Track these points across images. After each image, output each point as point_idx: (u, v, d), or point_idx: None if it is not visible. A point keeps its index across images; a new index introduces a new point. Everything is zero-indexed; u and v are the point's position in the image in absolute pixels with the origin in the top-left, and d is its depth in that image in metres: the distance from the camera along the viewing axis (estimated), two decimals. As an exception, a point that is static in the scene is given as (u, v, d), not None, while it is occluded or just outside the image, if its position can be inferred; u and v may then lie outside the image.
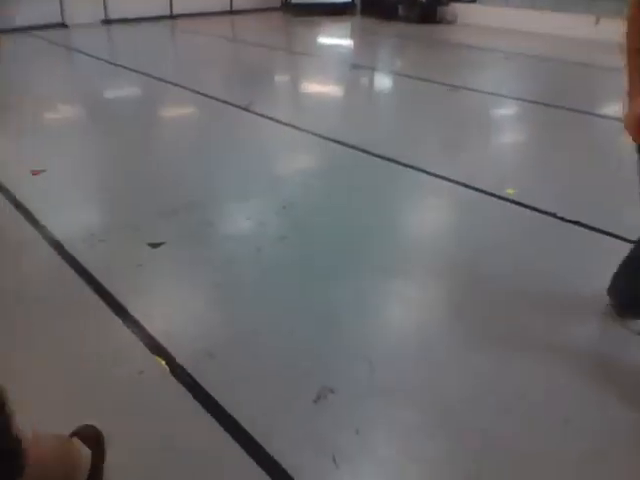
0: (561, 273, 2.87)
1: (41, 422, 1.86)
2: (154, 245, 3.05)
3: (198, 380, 2.14)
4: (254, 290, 2.72)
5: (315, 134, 4.86)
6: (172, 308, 2.61)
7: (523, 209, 3.51)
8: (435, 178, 3.97)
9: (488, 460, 1.85)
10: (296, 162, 4.44)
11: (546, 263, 2.95)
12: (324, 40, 10.66)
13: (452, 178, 3.93)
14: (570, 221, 3.32)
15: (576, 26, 9.69)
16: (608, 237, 3.16)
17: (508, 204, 3.58)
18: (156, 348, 2.31)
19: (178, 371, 2.19)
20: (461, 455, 1.88)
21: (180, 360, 2.25)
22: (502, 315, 2.56)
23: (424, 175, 4.03)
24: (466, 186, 3.82)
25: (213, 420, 1.98)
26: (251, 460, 1.83)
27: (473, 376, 2.20)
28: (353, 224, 3.35)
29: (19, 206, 3.45)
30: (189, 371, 2.19)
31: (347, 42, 10.83)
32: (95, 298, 2.60)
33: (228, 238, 3.20)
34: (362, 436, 1.93)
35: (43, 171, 3.94)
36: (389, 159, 4.26)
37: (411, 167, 4.13)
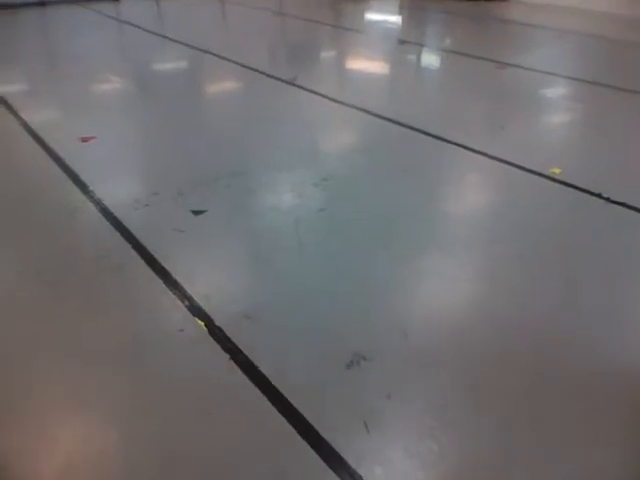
0: (599, 253, 2.81)
1: (92, 367, 1.96)
2: (196, 212, 3.12)
3: (235, 341, 2.21)
4: (291, 258, 2.76)
5: (360, 109, 4.84)
6: (212, 273, 2.67)
7: (568, 188, 3.43)
8: (479, 155, 3.92)
9: (520, 427, 1.86)
10: (339, 136, 4.44)
11: (588, 244, 2.90)
12: (372, 16, 10.52)
13: (497, 156, 3.87)
14: (615, 202, 3.24)
15: (634, 4, 9.30)
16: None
17: (553, 183, 3.51)
18: (196, 310, 2.38)
19: (217, 332, 2.26)
20: (494, 422, 1.89)
21: (218, 322, 2.31)
22: (545, 291, 2.54)
23: (469, 152, 3.98)
24: (511, 164, 3.76)
25: (247, 379, 2.04)
26: (283, 419, 1.89)
27: (505, 347, 2.20)
28: (393, 199, 3.35)
29: (68, 172, 3.58)
30: (227, 332, 2.25)
31: (395, 18, 10.66)
32: (139, 260, 2.69)
33: (268, 208, 3.24)
34: (393, 402, 1.96)
35: (92, 138, 4.05)
36: (434, 136, 4.22)
37: (456, 144, 4.09)
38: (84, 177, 3.51)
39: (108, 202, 3.22)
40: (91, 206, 3.18)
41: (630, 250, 2.85)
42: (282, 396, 1.97)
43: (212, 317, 2.34)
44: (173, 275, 2.60)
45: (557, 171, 3.65)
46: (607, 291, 2.54)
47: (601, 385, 2.05)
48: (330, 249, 2.85)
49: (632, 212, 3.16)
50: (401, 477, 1.71)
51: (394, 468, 1.74)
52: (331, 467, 1.73)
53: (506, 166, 3.75)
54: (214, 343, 2.21)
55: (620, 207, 3.20)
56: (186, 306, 2.40)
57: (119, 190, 3.41)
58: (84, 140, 4.03)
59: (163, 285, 2.53)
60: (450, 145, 4.08)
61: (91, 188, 3.37)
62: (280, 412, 1.91)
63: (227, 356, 2.14)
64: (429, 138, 4.20)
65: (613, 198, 3.27)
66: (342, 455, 1.76)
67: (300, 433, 1.84)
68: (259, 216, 3.15)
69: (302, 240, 2.90)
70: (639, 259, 2.79)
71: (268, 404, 1.94)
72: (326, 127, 4.64)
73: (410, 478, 1.70)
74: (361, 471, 1.72)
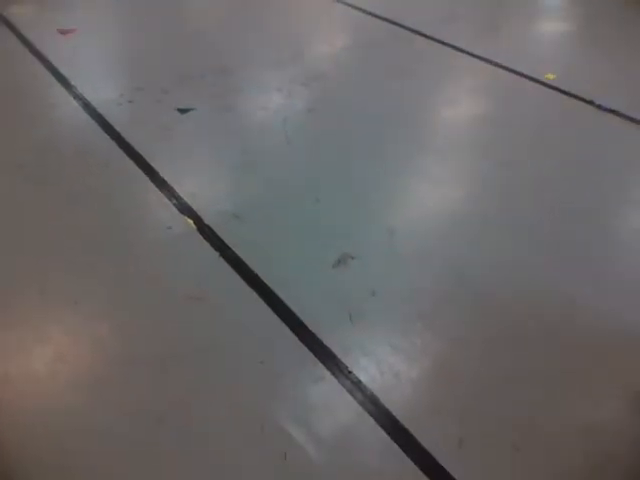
0: (586, 158, 2.82)
1: (85, 254, 1.97)
2: (183, 110, 3.04)
3: (224, 239, 2.23)
4: (280, 158, 2.74)
5: (355, 7, 4.63)
6: (199, 171, 2.65)
7: (561, 94, 3.39)
8: (473, 58, 3.81)
9: (502, 319, 1.94)
10: (332, 35, 4.27)
11: (576, 148, 2.90)
12: None
13: (492, 59, 3.77)
14: (607, 110, 3.21)
15: None
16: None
17: (546, 89, 3.46)
18: (184, 208, 2.38)
19: (205, 230, 2.27)
20: (470, 315, 1.97)
21: (207, 220, 2.32)
22: (526, 194, 2.56)
23: (464, 55, 3.86)
24: (506, 68, 3.67)
25: (236, 275, 2.08)
26: (271, 311, 1.95)
27: (490, 247, 2.25)
28: (384, 101, 3.28)
29: (49, 66, 3.43)
30: (215, 230, 2.27)
31: None
32: (124, 157, 2.66)
33: (255, 107, 3.16)
34: (378, 297, 2.02)
35: (72, 31, 3.86)
36: (430, 37, 4.08)
37: (451, 46, 3.96)
38: (65, 71, 3.37)
39: (90, 97, 3.12)
40: (72, 101, 3.09)
41: (618, 157, 2.86)
42: (270, 290, 2.02)
43: (201, 215, 2.34)
44: (160, 173, 2.57)
45: (551, 77, 3.58)
46: (594, 195, 2.57)
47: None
48: (319, 150, 2.82)
49: (621, 120, 3.14)
50: (384, 367, 1.79)
51: (378, 360, 1.82)
52: (317, 356, 1.81)
53: (501, 70, 3.67)
54: (203, 240, 2.23)
55: (611, 115, 3.18)
56: (174, 204, 2.40)
57: (102, 85, 3.30)
58: (63, 33, 3.84)
59: (150, 182, 2.51)
60: (444, 46, 3.95)
61: (73, 83, 3.26)
62: (268, 304, 1.97)
63: (217, 253, 2.17)
64: (424, 39, 4.06)
65: (605, 106, 3.24)
66: (327, 345, 1.83)
67: (287, 324, 1.91)
68: (247, 115, 3.09)
69: (290, 140, 2.86)
70: (626, 166, 2.80)
71: (256, 296, 1.99)
72: (319, 25, 4.45)
73: (393, 368, 1.79)
74: (346, 361, 1.80)
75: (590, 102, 3.29)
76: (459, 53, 3.88)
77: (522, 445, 1.59)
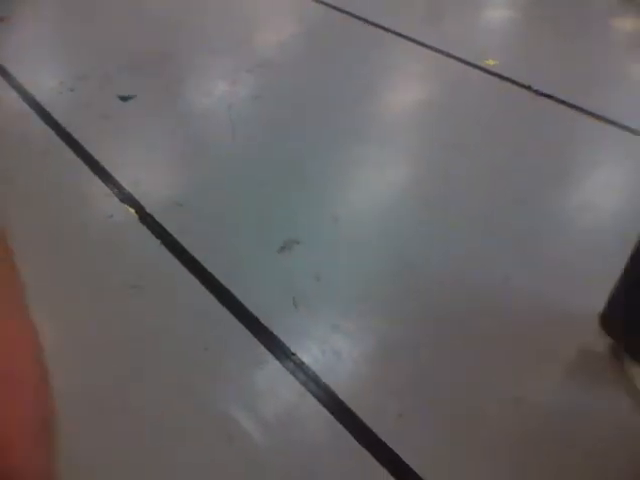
0: (523, 141, 2.91)
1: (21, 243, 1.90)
2: (124, 98, 3.00)
3: (166, 227, 2.22)
4: (224, 145, 2.73)
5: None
6: (141, 160, 2.63)
7: (500, 80, 3.47)
8: (416, 45, 3.87)
9: (440, 300, 2.00)
10: (278, 22, 4.26)
11: (514, 132, 2.98)
12: None
13: (435, 46, 3.83)
14: (543, 94, 3.31)
15: None
16: (575, 111, 3.17)
17: (486, 74, 3.54)
18: (125, 197, 2.36)
19: (147, 219, 2.26)
20: (415, 295, 2.02)
21: (149, 209, 2.30)
22: (466, 178, 2.63)
23: (407, 42, 3.91)
24: (448, 55, 3.74)
25: (178, 262, 2.07)
26: (214, 298, 1.95)
27: (428, 230, 2.31)
28: (329, 88, 3.30)
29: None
30: (157, 219, 2.26)
31: None
32: (63, 146, 2.60)
33: (199, 93, 3.14)
34: (322, 282, 2.05)
35: (8, 19, 3.74)
36: (374, 24, 4.11)
37: (393, 32, 4.00)
38: (1, 60, 3.27)
39: (29, 86, 3.04)
40: (11, 90, 3.00)
41: (552, 139, 2.95)
42: (212, 276, 2.03)
43: (142, 204, 2.32)
44: (101, 162, 2.53)
45: (492, 63, 3.67)
46: (531, 178, 2.65)
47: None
48: (264, 137, 2.82)
49: (557, 104, 3.25)
50: (326, 348, 1.83)
51: (321, 341, 1.85)
52: (260, 340, 1.83)
53: (443, 56, 3.73)
54: (144, 229, 2.21)
55: (547, 99, 3.28)
56: (115, 193, 2.37)
57: (41, 73, 3.22)
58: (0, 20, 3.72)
59: (90, 172, 2.48)
60: (386, 32, 3.99)
61: (11, 72, 3.16)
62: (210, 291, 1.97)
63: (158, 241, 2.16)
64: (369, 26, 4.08)
65: (541, 90, 3.34)
66: (270, 329, 1.86)
67: (230, 310, 1.92)
68: (190, 102, 3.06)
69: (235, 128, 2.85)
70: (560, 147, 2.90)
71: (198, 284, 2.00)
72: (263, 12, 4.43)
73: (335, 349, 1.83)
74: (289, 343, 1.83)
75: (528, 87, 3.39)
76: (403, 40, 3.92)
77: (458, 417, 1.65)
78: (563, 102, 3.24)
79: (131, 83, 3.12)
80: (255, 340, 1.84)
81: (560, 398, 1.73)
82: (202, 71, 3.34)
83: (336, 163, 2.67)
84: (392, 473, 1.51)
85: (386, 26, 4.07)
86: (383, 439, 1.58)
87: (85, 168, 2.48)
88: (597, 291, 1.80)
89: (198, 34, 3.78)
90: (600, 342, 1.84)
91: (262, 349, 1.81)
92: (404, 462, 1.53)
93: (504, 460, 1.57)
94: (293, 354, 1.80)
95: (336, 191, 2.53)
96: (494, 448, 1.59)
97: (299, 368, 1.75)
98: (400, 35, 3.97)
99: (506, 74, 3.52)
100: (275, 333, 1.86)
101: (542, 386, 1.76)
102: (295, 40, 3.88)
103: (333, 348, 1.83)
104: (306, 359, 1.78)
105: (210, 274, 2.04)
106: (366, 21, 4.15)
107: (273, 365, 1.77)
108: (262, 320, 1.89)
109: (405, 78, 3.58)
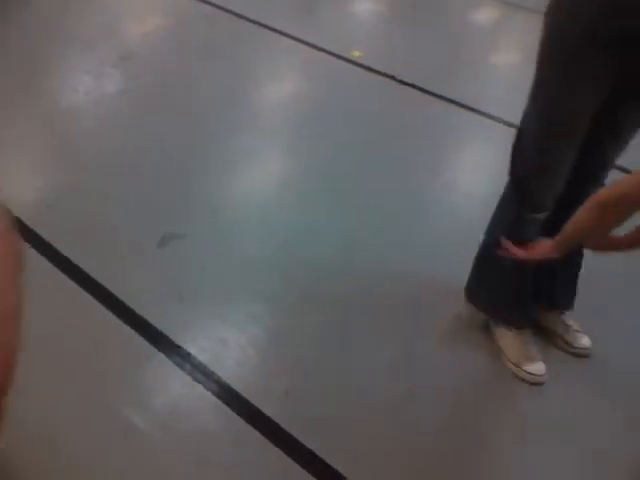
0: (388, 128, 3.09)
1: None
2: (-21, 96, 2.81)
3: (36, 230, 2.13)
4: (92, 141, 2.66)
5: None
6: (6, 160, 2.48)
7: (366, 71, 3.64)
8: (286, 38, 3.94)
9: (319, 284, 2.10)
10: (141, 14, 4.16)
11: (380, 119, 3.15)
12: None
13: (302, 39, 3.92)
14: (406, 84, 3.52)
15: None
16: (436, 99, 3.41)
17: (352, 66, 3.69)
18: (-12, 200, 2.23)
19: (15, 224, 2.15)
20: (295, 280, 2.10)
21: (17, 212, 2.18)
22: (338, 165, 2.75)
23: (275, 34, 3.98)
24: (317, 47, 3.85)
25: (51, 265, 2.00)
26: (93, 299, 1.92)
27: (307, 217, 2.40)
28: (200, 82, 3.29)
29: None
30: (26, 222, 2.16)
31: None
32: None
33: (64, 88, 3.02)
34: (207, 272, 2.08)
35: None
36: (242, 16, 4.13)
37: (262, 25, 4.05)
38: None
39: None
40: None
41: (414, 125, 3.16)
42: (90, 277, 1.98)
43: (8, 207, 2.21)
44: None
45: (357, 54, 3.83)
46: (398, 163, 2.83)
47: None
48: (134, 132, 2.77)
49: (419, 92, 3.47)
50: (213, 338, 1.86)
51: (207, 331, 1.88)
52: (145, 337, 1.83)
53: (313, 49, 3.84)
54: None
55: (410, 88, 3.49)
56: (-24, 197, 2.23)
57: None
58: None
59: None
60: (260, 28, 4.03)
61: None
62: (89, 292, 1.93)
63: (27, 245, 2.07)
64: (237, 19, 4.10)
65: (404, 80, 3.54)
66: (155, 324, 1.86)
67: (112, 310, 1.89)
68: (54, 98, 2.93)
69: (103, 123, 2.78)
70: (422, 133, 3.10)
71: (76, 286, 1.95)
72: (127, 2, 4.30)
73: (221, 337, 1.86)
74: (174, 336, 1.84)
75: (392, 77, 3.58)
76: (272, 33, 3.99)
77: (342, 389, 1.76)
78: (425, 90, 3.47)
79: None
80: (140, 338, 1.83)
81: (436, 365, 1.89)
82: (66, 66, 3.20)
83: (211, 156, 2.69)
84: (284, 449, 1.58)
85: (255, 19, 4.11)
86: (269, 415, 1.65)
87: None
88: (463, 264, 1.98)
89: (60, 28, 3.60)
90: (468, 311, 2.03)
91: (147, 345, 1.80)
92: (293, 436, 1.60)
93: (388, 425, 1.69)
94: (178, 347, 1.81)
95: (213, 183, 2.54)
96: (377, 415, 1.71)
97: (185, 360, 1.77)
98: (269, 28, 4.03)
99: (371, 65, 3.70)
100: (159, 328, 1.86)
101: (420, 354, 1.91)
102: (161, 33, 3.82)
103: (219, 337, 1.86)
104: (192, 350, 1.80)
105: (87, 274, 1.99)
106: (235, 14, 4.17)
107: (159, 359, 1.77)
108: (145, 316, 1.88)
109: (275, 71, 3.65)
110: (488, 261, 1.85)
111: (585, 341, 1.91)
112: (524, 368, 1.82)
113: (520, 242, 1.06)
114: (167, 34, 3.80)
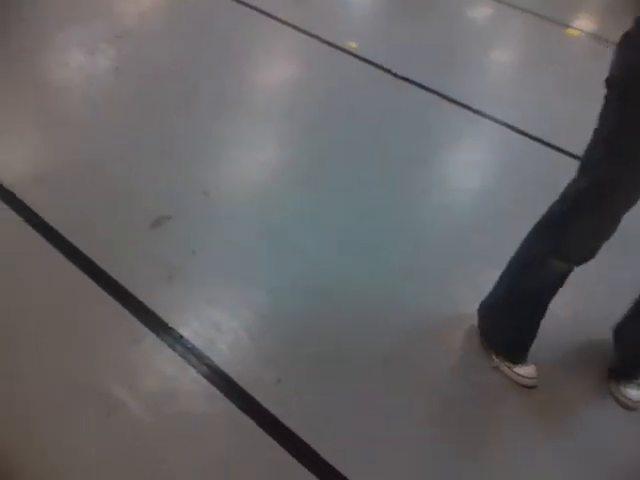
0: (381, 122, 3.09)
1: None
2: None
3: (28, 205, 2.09)
4: (83, 118, 2.61)
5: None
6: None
7: (361, 62, 3.63)
8: (281, 24, 3.91)
9: (310, 269, 2.10)
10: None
11: (370, 111, 3.15)
12: None
13: (299, 26, 3.90)
14: (402, 78, 3.52)
15: None
16: (431, 93, 3.42)
17: (348, 56, 3.68)
18: (-22, 172, 2.18)
19: (7, 196, 2.11)
20: (286, 265, 2.11)
21: (7, 185, 2.16)
22: (338, 156, 2.75)
23: (270, 20, 3.94)
24: (312, 35, 3.83)
25: (45, 241, 1.98)
26: (86, 276, 1.90)
27: (297, 204, 2.40)
28: (193, 61, 3.25)
29: None
30: (17, 195, 2.12)
31: None
32: None
33: (55, 64, 2.95)
34: (198, 256, 2.06)
35: None
36: (237, 0, 4.09)
37: (258, 10, 4.01)
38: None
39: None
40: None
41: (407, 118, 3.17)
42: (83, 255, 1.96)
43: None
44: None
45: (353, 45, 3.81)
46: (388, 156, 2.83)
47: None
48: (126, 111, 2.73)
49: (414, 87, 3.47)
50: (206, 322, 1.85)
51: (199, 314, 1.87)
52: (137, 317, 1.81)
53: (307, 37, 3.81)
54: (4, 206, 2.07)
55: (404, 82, 3.49)
56: (-35, 168, 2.19)
57: None
58: None
59: None
60: (253, 11, 3.99)
61: None
62: (82, 269, 1.91)
63: (20, 219, 2.03)
64: (235, 3, 4.05)
65: (399, 74, 3.55)
66: (147, 305, 1.84)
67: (105, 288, 1.87)
68: (44, 73, 2.87)
69: (94, 101, 2.73)
70: (418, 126, 3.11)
71: (69, 263, 1.92)
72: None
73: (213, 321, 1.86)
74: (167, 318, 1.83)
75: (388, 70, 3.58)
76: (268, 18, 3.95)
77: (336, 378, 1.76)
78: (420, 85, 3.48)
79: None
80: (132, 317, 1.81)
81: (431, 357, 1.91)
82: (58, 40, 3.13)
83: (203, 139, 2.66)
84: (275, 438, 1.58)
85: (252, 4, 4.07)
86: (261, 402, 1.65)
87: None
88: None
89: (53, 1, 3.53)
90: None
91: (139, 325, 1.79)
92: (284, 425, 1.61)
93: (384, 414, 1.70)
94: (170, 328, 1.80)
95: (205, 167, 2.52)
96: (372, 404, 1.72)
97: (178, 342, 1.76)
98: (265, 13, 4.00)
99: (367, 57, 3.69)
100: (151, 308, 1.84)
101: (416, 347, 1.93)
102: (156, 12, 3.76)
103: (211, 320, 1.86)
104: (185, 333, 1.79)
105: (80, 252, 1.96)
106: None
107: (151, 341, 1.76)
108: (137, 296, 1.87)
109: (269, 57, 3.62)
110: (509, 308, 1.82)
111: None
112: (516, 370, 1.85)
113: None
114: (163, 14, 3.75)
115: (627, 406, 1.84)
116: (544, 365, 1.86)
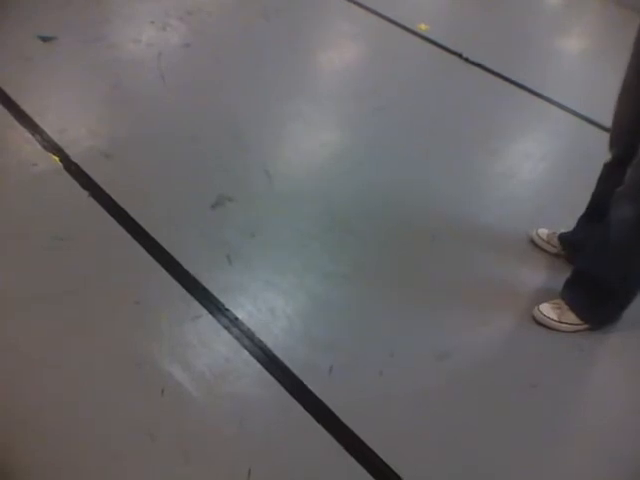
0: (452, 107, 3.00)
1: None
2: (45, 39, 2.82)
3: (94, 178, 2.14)
4: (153, 94, 2.64)
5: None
6: (65, 106, 2.49)
7: (432, 46, 3.53)
8: (349, 2, 3.84)
9: (371, 256, 2.07)
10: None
11: (444, 98, 3.06)
12: None
13: (367, 5, 3.82)
14: (473, 63, 3.40)
15: None
16: (501, 80, 3.28)
17: (418, 39, 3.58)
18: (50, 145, 2.24)
19: (72, 168, 2.16)
20: (346, 251, 2.08)
21: (75, 158, 2.21)
22: (403, 141, 2.68)
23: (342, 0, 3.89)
24: (381, 16, 3.75)
25: (107, 215, 2.01)
26: (145, 252, 1.92)
27: (359, 189, 2.36)
28: (261, 39, 3.23)
29: None
30: (84, 169, 2.17)
31: None
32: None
33: (127, 39, 2.99)
34: (257, 238, 2.06)
35: None
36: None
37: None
38: None
39: None
40: None
41: (483, 106, 3.06)
42: (144, 230, 1.99)
43: (68, 153, 2.22)
44: (22, 107, 2.38)
45: (424, 27, 3.71)
46: (455, 141, 2.75)
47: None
48: (195, 87, 2.75)
49: (486, 73, 3.35)
50: (262, 306, 1.85)
51: (255, 297, 1.87)
52: (194, 296, 1.83)
53: (376, 17, 3.73)
54: (71, 179, 2.12)
55: (477, 68, 3.37)
56: (38, 140, 2.25)
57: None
58: None
59: (11, 117, 2.33)
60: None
61: None
62: (142, 245, 1.94)
63: (86, 193, 2.08)
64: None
65: (471, 59, 3.43)
66: (204, 284, 1.86)
67: (163, 265, 1.90)
68: (117, 47, 2.91)
69: (165, 76, 2.76)
70: (489, 114, 3.01)
71: (129, 237, 1.95)
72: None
73: (269, 305, 1.85)
74: (223, 299, 1.84)
75: (459, 55, 3.46)
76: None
77: (386, 370, 1.73)
78: (491, 71, 3.35)
79: (53, 22, 2.93)
80: (189, 295, 1.83)
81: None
82: (129, 15, 3.17)
83: (268, 118, 2.65)
84: (324, 425, 1.57)
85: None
86: (313, 390, 1.64)
87: (5, 112, 2.33)
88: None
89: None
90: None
91: (196, 304, 1.81)
92: (334, 413, 1.59)
93: (436, 411, 1.67)
94: (227, 309, 1.81)
95: (268, 147, 2.52)
96: (423, 400, 1.69)
97: (233, 324, 1.77)
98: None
99: (438, 40, 3.58)
100: (209, 289, 1.86)
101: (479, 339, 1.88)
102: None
103: (267, 304, 1.85)
104: (240, 314, 1.80)
105: (141, 228, 1.99)
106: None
107: (207, 320, 1.77)
108: (195, 276, 1.89)
109: (336, 36, 3.57)
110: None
111: None
112: None
113: None
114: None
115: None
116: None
